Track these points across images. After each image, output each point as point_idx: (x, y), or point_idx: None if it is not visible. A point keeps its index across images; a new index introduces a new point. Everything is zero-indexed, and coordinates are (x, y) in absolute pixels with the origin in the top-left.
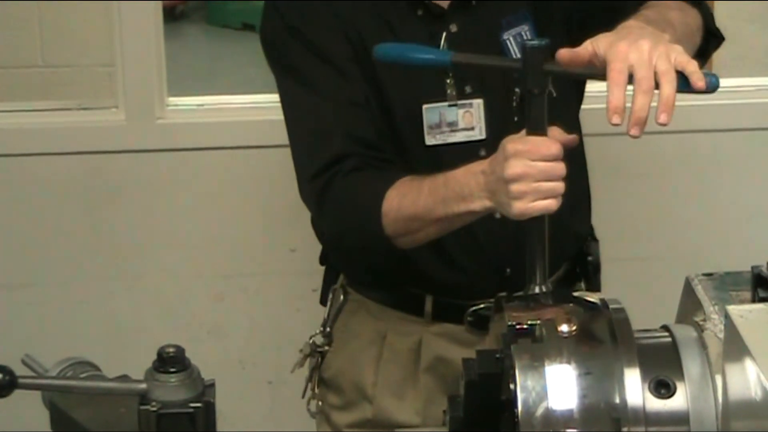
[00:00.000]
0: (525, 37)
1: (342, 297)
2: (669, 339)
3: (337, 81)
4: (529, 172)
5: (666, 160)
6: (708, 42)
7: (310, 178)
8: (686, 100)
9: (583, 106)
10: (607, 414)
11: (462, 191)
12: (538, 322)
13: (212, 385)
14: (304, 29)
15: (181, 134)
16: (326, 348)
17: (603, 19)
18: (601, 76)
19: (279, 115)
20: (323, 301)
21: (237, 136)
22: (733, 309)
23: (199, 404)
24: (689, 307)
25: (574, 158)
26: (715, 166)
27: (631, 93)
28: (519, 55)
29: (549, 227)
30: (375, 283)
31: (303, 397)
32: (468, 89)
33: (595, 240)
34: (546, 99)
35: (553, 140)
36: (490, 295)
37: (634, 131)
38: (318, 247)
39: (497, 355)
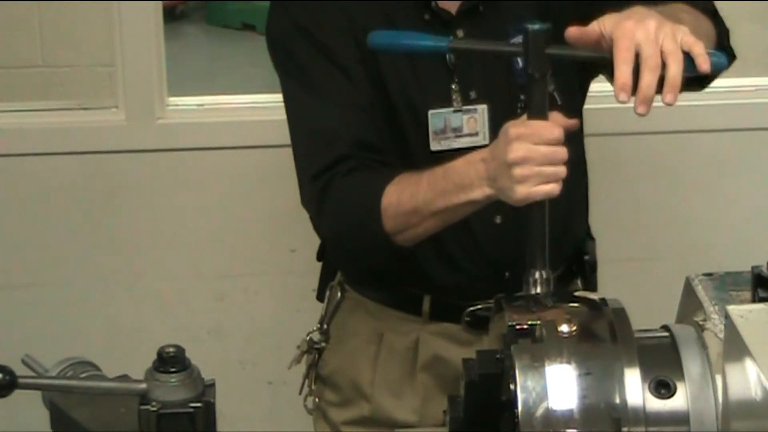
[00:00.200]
0: None
1: (339, 294)
2: (669, 339)
3: (343, 84)
4: (531, 156)
5: (666, 160)
6: None
7: (311, 179)
8: (686, 99)
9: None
10: (607, 414)
11: (462, 181)
12: (538, 322)
13: (212, 385)
14: (312, 29)
15: (181, 134)
16: (323, 345)
17: None
18: (604, 57)
19: (279, 115)
20: (320, 297)
21: (237, 136)
22: (733, 309)
23: (199, 404)
24: (689, 307)
25: (573, 152)
26: (715, 166)
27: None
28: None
29: (548, 229)
30: (373, 283)
31: (300, 393)
32: (473, 94)
33: (592, 239)
34: (547, 83)
35: (555, 124)
36: (488, 297)
37: (641, 109)
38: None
39: (497, 356)
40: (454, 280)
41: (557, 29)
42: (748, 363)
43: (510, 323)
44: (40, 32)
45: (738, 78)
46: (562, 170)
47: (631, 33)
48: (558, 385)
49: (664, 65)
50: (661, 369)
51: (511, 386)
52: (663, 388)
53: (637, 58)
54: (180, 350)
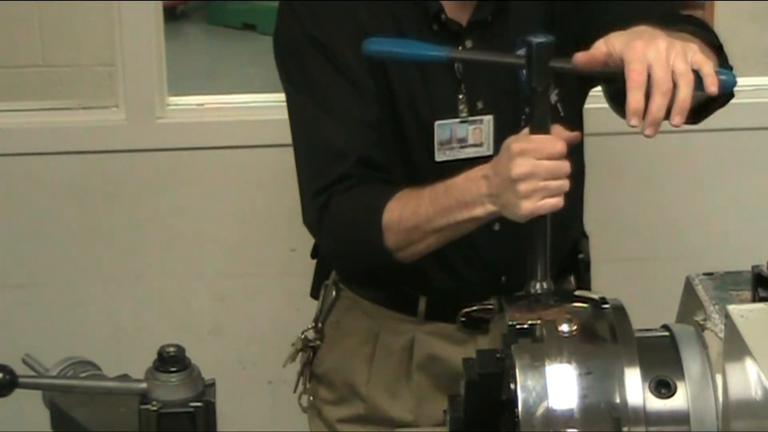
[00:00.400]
0: None
1: (334, 293)
2: (669, 339)
3: (351, 97)
4: (536, 171)
5: (666, 159)
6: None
7: (312, 196)
8: None
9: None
10: (607, 414)
11: (464, 198)
12: (539, 321)
13: (212, 385)
14: (322, 37)
15: (181, 134)
16: (318, 343)
17: None
18: (611, 74)
19: (279, 115)
20: (315, 295)
21: (237, 136)
22: (733, 308)
23: (199, 404)
24: (690, 306)
25: (574, 161)
26: (715, 166)
27: None
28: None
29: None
30: (370, 284)
31: (295, 392)
32: (480, 105)
33: (585, 237)
34: (549, 96)
35: (558, 138)
36: (484, 300)
37: (649, 131)
38: None
39: (497, 355)
40: (451, 284)
41: (564, 39)
42: (749, 362)
43: (510, 323)
44: (40, 32)
45: (738, 78)
46: (565, 184)
47: (642, 55)
48: (558, 385)
49: (674, 85)
50: (662, 369)
51: (512, 386)
52: (663, 388)
53: (648, 79)
54: (180, 350)
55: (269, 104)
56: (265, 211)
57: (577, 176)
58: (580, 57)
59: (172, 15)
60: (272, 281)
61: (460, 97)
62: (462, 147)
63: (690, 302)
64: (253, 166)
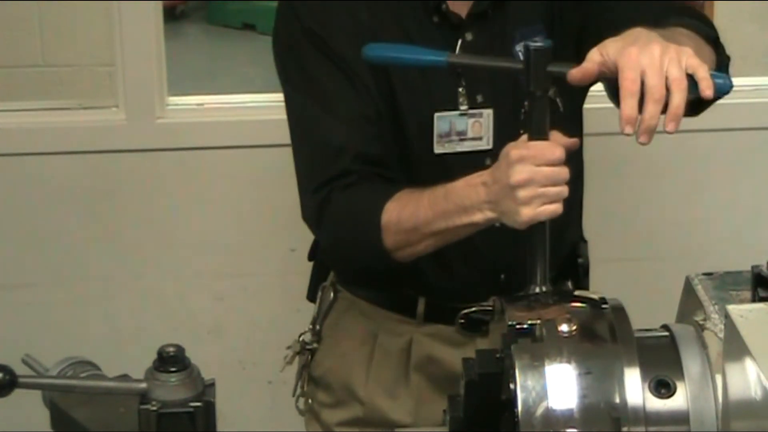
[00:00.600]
0: None
1: (332, 295)
2: (669, 339)
3: (351, 93)
4: (535, 178)
5: (665, 159)
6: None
7: (311, 193)
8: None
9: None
10: (607, 414)
11: (463, 203)
12: (538, 321)
13: (212, 385)
14: (321, 33)
15: (181, 134)
16: (315, 345)
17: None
18: (606, 80)
19: (279, 115)
20: (311, 298)
21: (237, 136)
22: (733, 308)
23: (199, 404)
24: (689, 306)
25: (573, 164)
26: (715, 166)
27: None
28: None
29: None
30: (368, 284)
31: (293, 395)
32: (480, 98)
33: (584, 241)
34: (548, 102)
35: (556, 144)
36: (482, 299)
37: (643, 138)
38: None
39: (497, 355)
40: (450, 283)
41: (563, 32)
42: (748, 363)
43: (510, 323)
44: (40, 32)
45: (738, 78)
46: (564, 190)
47: (636, 62)
48: (558, 385)
49: (668, 91)
50: (661, 369)
51: (511, 386)
52: (663, 388)
53: (642, 85)
54: (180, 350)
55: (269, 104)
56: (265, 211)
57: (576, 180)
58: (575, 74)
59: (172, 15)
60: (272, 281)
61: (460, 90)
62: (461, 140)
63: (690, 302)
64: (253, 166)
